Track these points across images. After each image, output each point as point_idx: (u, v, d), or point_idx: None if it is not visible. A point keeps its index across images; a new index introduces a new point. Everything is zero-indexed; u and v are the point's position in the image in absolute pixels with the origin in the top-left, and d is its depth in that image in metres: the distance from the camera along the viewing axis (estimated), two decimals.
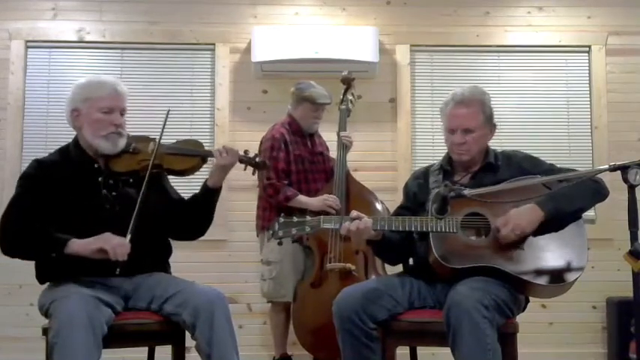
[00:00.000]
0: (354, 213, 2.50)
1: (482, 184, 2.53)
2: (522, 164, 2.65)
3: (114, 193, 2.57)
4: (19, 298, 4.29)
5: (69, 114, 2.59)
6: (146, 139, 2.65)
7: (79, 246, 2.40)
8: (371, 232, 2.49)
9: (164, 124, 2.62)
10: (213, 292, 2.45)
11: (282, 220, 2.50)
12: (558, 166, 2.67)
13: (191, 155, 2.64)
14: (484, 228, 2.50)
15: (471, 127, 2.61)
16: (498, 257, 2.44)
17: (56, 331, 2.21)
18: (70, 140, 2.70)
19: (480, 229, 2.51)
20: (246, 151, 2.69)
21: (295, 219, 2.50)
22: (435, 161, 2.84)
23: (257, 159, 2.70)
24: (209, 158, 2.68)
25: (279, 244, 2.55)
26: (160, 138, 2.60)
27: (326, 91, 3.94)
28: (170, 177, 2.76)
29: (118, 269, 2.40)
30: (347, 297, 2.50)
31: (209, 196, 2.66)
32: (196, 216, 2.69)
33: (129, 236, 2.42)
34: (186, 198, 2.74)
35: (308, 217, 2.50)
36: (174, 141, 2.72)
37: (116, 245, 2.38)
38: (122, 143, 2.58)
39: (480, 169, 2.67)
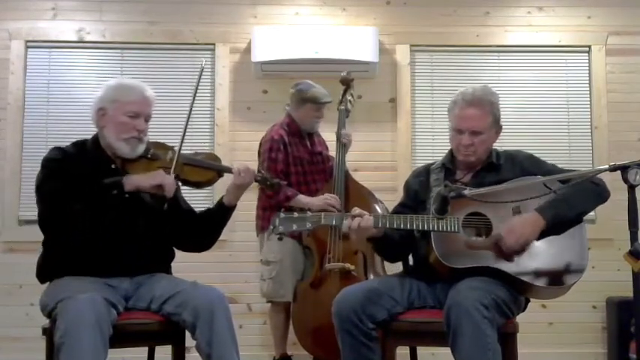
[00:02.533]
0: (355, 210, 2.50)
1: (483, 183, 2.53)
2: (524, 164, 2.64)
3: (126, 196, 2.57)
4: (19, 298, 4.28)
5: (94, 112, 2.62)
6: (165, 147, 2.69)
7: (136, 180, 2.49)
8: (372, 230, 2.48)
9: (198, 80, 2.71)
10: (214, 293, 2.46)
11: (282, 215, 2.48)
12: (559, 166, 2.67)
13: (208, 168, 2.67)
14: (485, 228, 2.50)
15: (479, 130, 2.58)
16: (499, 258, 2.44)
17: (64, 331, 2.20)
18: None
19: (481, 228, 2.51)
20: (260, 171, 2.72)
21: (296, 214, 2.49)
22: (435, 161, 2.83)
23: (273, 180, 2.75)
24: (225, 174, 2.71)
25: (280, 239, 2.55)
26: (194, 100, 2.67)
27: (324, 89, 3.93)
28: (183, 188, 2.78)
29: (165, 204, 2.54)
30: (346, 297, 2.50)
31: (223, 212, 2.71)
32: (206, 229, 2.73)
33: (173, 175, 2.53)
34: (196, 210, 2.78)
35: (309, 213, 2.50)
36: (193, 152, 2.75)
37: (169, 183, 2.50)
38: (141, 149, 2.61)
39: (482, 168, 2.67)
